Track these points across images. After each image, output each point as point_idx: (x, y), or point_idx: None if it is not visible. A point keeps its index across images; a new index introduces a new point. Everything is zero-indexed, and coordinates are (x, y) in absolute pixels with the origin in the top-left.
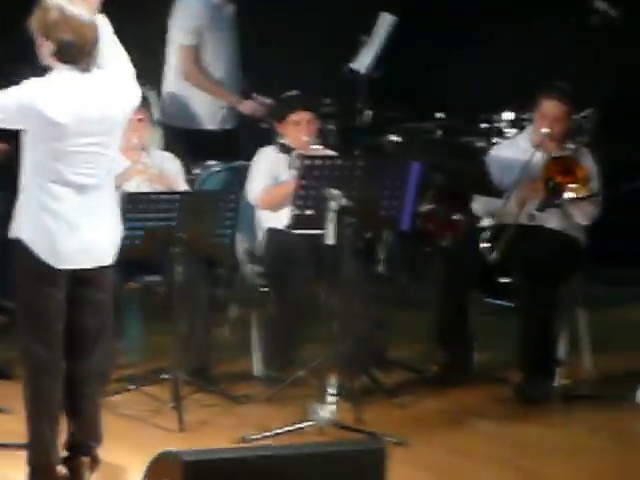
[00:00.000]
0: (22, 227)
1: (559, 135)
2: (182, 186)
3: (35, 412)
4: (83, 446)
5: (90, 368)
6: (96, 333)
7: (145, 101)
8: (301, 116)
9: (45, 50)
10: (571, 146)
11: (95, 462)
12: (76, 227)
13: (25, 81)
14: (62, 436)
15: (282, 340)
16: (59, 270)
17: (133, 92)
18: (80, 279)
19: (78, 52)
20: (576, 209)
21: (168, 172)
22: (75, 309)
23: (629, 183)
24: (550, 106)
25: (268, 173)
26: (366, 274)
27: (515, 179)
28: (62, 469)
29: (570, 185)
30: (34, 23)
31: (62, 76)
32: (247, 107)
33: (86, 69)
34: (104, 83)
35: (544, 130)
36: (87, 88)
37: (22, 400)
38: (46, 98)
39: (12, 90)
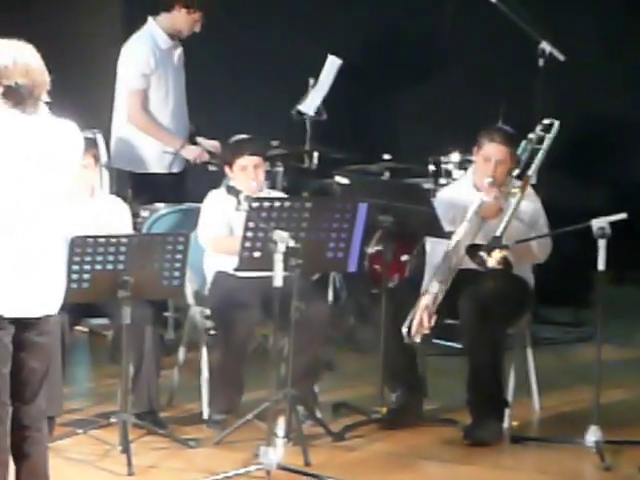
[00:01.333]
0: None
1: (502, 178)
2: (128, 230)
3: None
4: None
5: (36, 412)
6: (41, 376)
7: (93, 144)
8: (248, 160)
9: None
10: (514, 189)
11: None
12: (19, 275)
13: None
14: None
15: (228, 383)
16: (2, 317)
17: (79, 137)
18: (25, 324)
19: (27, 96)
20: (522, 252)
21: (115, 216)
22: (20, 353)
23: (576, 225)
24: (493, 149)
25: (219, 217)
26: (314, 316)
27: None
28: None
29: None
30: None
31: (5, 119)
32: (191, 153)
33: (32, 112)
34: (50, 127)
35: (487, 180)
36: (31, 131)
37: None
38: None
39: None
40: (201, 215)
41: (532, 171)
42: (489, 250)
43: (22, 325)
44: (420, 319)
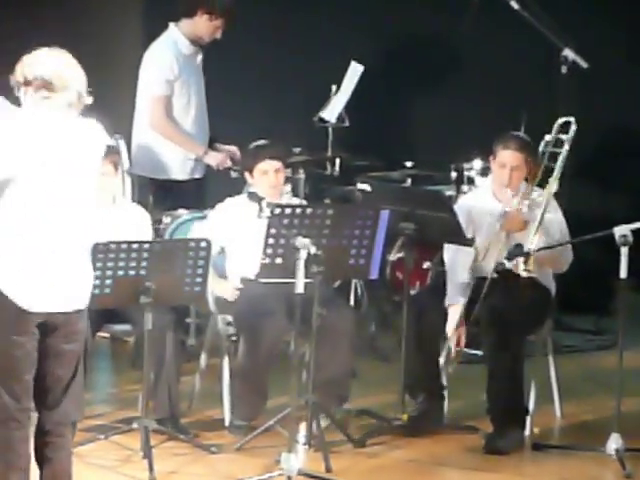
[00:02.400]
0: None
1: (517, 184)
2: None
3: (2, 462)
4: None
5: (59, 417)
6: (66, 383)
7: (113, 151)
8: (269, 165)
9: (20, 94)
10: (534, 196)
11: None
12: (46, 272)
13: None
14: None
15: (252, 390)
16: (30, 314)
17: (103, 136)
18: (51, 328)
19: (47, 96)
20: (545, 258)
21: (135, 225)
22: (45, 359)
23: (598, 232)
24: (508, 156)
25: (221, 223)
26: (341, 318)
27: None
28: None
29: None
30: (17, 74)
31: (30, 117)
32: (213, 159)
33: (57, 111)
34: (75, 126)
35: (507, 193)
36: (57, 130)
37: None
38: (12, 146)
39: None
40: (207, 218)
41: (555, 176)
42: (511, 258)
43: (48, 330)
44: (457, 341)
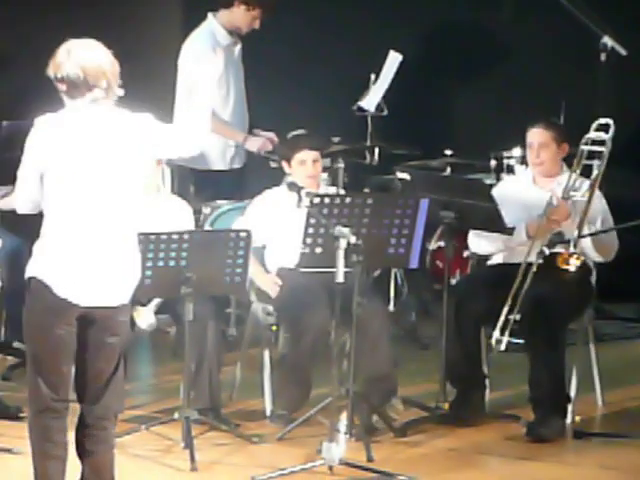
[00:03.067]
0: (39, 265)
1: (549, 164)
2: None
3: (39, 452)
4: None
5: (102, 411)
6: (108, 376)
7: None
8: (307, 155)
9: (59, 91)
10: (577, 184)
11: None
12: (91, 265)
13: (28, 140)
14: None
15: (296, 381)
16: (73, 306)
17: (150, 127)
18: (92, 321)
19: (83, 86)
20: (592, 248)
21: (177, 216)
22: (86, 352)
23: (637, 219)
24: (533, 134)
25: (261, 216)
26: (379, 311)
27: (532, 216)
28: None
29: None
30: (49, 71)
31: (71, 111)
32: (254, 144)
33: (95, 102)
34: (118, 119)
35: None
36: (97, 123)
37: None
38: (51, 143)
39: (24, 160)
40: (246, 212)
41: (599, 174)
42: (551, 245)
43: (89, 323)
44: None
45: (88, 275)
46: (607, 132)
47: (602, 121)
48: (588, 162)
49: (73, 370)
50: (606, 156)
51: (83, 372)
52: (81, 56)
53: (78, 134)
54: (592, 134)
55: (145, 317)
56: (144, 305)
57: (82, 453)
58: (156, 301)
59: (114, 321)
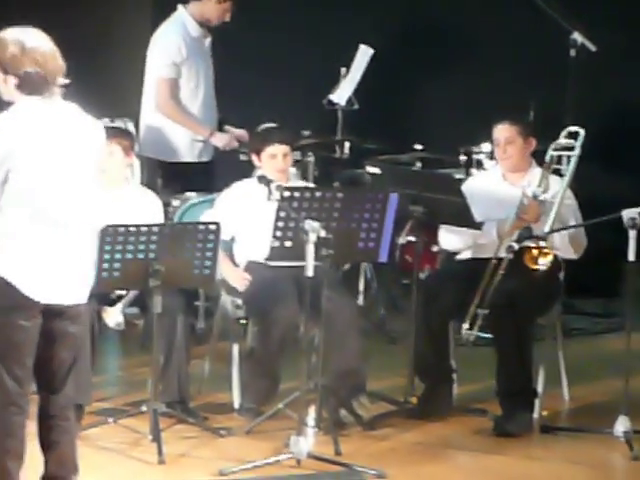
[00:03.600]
0: (1, 263)
1: (517, 159)
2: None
3: (1, 447)
4: (59, 478)
5: (63, 401)
6: (70, 366)
7: (120, 132)
8: (277, 149)
9: (7, 85)
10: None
11: None
12: (53, 262)
13: None
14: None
15: (264, 375)
16: (37, 303)
17: (94, 121)
18: (54, 312)
19: (42, 82)
20: (558, 244)
21: (146, 209)
22: (50, 343)
23: (606, 215)
24: (499, 130)
25: (230, 209)
26: (347, 306)
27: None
28: None
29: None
30: None
31: (27, 107)
32: (219, 140)
33: (49, 98)
34: (71, 113)
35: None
36: (54, 118)
37: None
38: (12, 135)
39: None
40: (215, 204)
41: (567, 180)
42: (520, 241)
43: (53, 314)
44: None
45: (51, 272)
46: (576, 139)
47: (572, 129)
48: (557, 167)
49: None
50: (575, 164)
51: (47, 362)
52: (38, 51)
53: (38, 130)
54: (562, 140)
55: (113, 317)
56: (112, 305)
57: (46, 445)
58: (124, 300)
59: (76, 312)
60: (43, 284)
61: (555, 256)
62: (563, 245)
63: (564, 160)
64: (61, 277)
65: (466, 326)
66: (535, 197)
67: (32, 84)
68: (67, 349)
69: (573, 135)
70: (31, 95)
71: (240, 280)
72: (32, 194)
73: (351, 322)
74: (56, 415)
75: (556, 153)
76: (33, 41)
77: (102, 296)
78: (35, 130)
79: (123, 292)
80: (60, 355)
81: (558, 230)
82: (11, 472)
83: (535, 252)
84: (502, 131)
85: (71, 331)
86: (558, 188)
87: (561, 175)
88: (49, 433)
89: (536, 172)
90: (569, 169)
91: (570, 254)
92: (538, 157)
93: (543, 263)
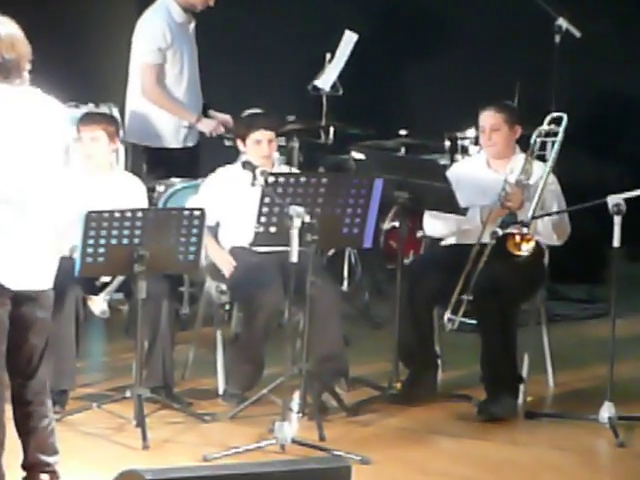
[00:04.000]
0: None
1: (502, 147)
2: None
3: None
4: (39, 463)
5: (38, 386)
6: (42, 351)
7: (105, 118)
8: (262, 135)
9: None
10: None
11: (55, 478)
12: (19, 248)
13: None
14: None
15: (248, 360)
16: (5, 290)
17: (61, 108)
18: (23, 299)
19: (14, 68)
20: (541, 230)
21: (131, 195)
22: (20, 329)
23: (591, 201)
24: (485, 117)
25: (212, 203)
26: (330, 291)
27: (486, 199)
28: None
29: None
30: None
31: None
32: (205, 126)
33: (19, 84)
34: (33, 97)
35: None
36: (15, 102)
37: None
38: None
39: None
40: (200, 190)
41: (550, 166)
42: (504, 227)
43: (21, 300)
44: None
45: (16, 258)
46: (559, 125)
47: (555, 115)
48: (541, 153)
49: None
50: (558, 149)
51: (18, 349)
52: (13, 37)
53: (6, 118)
54: (545, 127)
55: (98, 305)
56: (97, 293)
57: (24, 432)
58: (109, 289)
59: (44, 296)
60: (11, 270)
61: (538, 242)
62: (546, 231)
63: (548, 146)
64: (27, 263)
65: (449, 314)
66: (518, 184)
67: (5, 71)
68: (37, 335)
69: (556, 121)
70: (2, 82)
71: (227, 263)
72: None
73: (333, 307)
74: (32, 401)
75: (540, 139)
76: (8, 28)
77: (87, 283)
78: (4, 118)
79: (108, 280)
80: (31, 341)
81: (541, 216)
82: None
83: (518, 238)
84: (488, 118)
85: (40, 316)
86: (541, 174)
87: (545, 161)
88: (26, 420)
89: (520, 158)
90: (552, 154)
91: (553, 240)
92: (522, 143)
93: (526, 249)
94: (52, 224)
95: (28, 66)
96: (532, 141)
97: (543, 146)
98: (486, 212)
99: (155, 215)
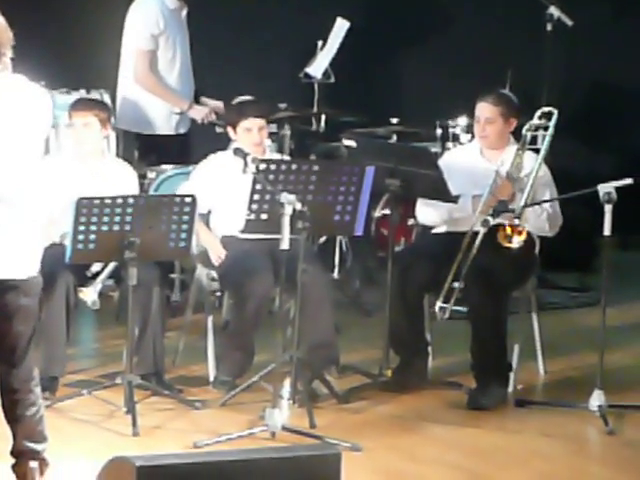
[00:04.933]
0: None
1: (494, 139)
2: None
3: None
4: (27, 451)
5: (25, 374)
6: (28, 338)
7: (96, 104)
8: (253, 123)
9: None
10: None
11: (44, 465)
12: None
13: None
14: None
15: (239, 347)
16: None
17: (44, 94)
18: (7, 287)
19: None
20: (534, 223)
21: (122, 181)
22: (3, 318)
23: (583, 190)
24: (481, 108)
25: (204, 190)
26: (320, 279)
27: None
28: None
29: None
30: None
31: None
32: (197, 113)
33: (1, 70)
34: (18, 84)
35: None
36: (2, 88)
37: None
38: None
39: None
40: (191, 177)
41: (540, 160)
42: (496, 215)
43: (5, 289)
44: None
45: None
46: (550, 119)
47: (546, 109)
48: (533, 147)
49: None
50: (548, 143)
51: (3, 337)
52: None
53: None
54: (535, 121)
55: (89, 296)
56: (88, 283)
57: (12, 419)
58: (101, 278)
59: (28, 284)
60: None
61: (529, 233)
62: (538, 223)
63: (539, 139)
64: (6, 252)
65: (440, 302)
66: (508, 177)
67: None
68: (23, 322)
69: (547, 115)
70: None
71: (217, 250)
72: None
73: (324, 294)
74: (19, 389)
75: (530, 134)
76: None
77: (77, 272)
78: None
79: (99, 269)
80: (17, 329)
81: (533, 205)
82: None
83: (509, 230)
84: (484, 110)
85: (24, 304)
86: (533, 164)
87: (537, 151)
88: (13, 407)
89: (513, 149)
90: (542, 149)
91: (545, 232)
92: (516, 133)
93: (517, 242)
94: (33, 213)
95: (9, 53)
96: (523, 135)
97: (534, 140)
98: (476, 203)
99: (146, 202)
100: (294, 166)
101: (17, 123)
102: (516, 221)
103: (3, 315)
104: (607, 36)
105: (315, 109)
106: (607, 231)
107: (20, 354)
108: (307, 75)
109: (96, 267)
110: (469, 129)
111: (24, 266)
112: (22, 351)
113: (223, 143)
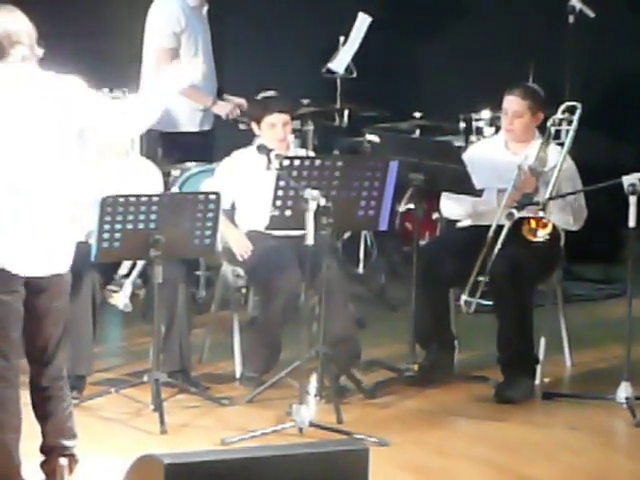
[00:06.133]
0: None
1: (520, 132)
2: None
3: None
4: (58, 447)
5: (56, 372)
6: (58, 339)
7: None
8: (277, 118)
9: None
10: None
11: (73, 462)
12: (28, 234)
13: None
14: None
15: (266, 344)
16: (14, 276)
17: (80, 90)
18: (37, 287)
19: (6, 46)
20: (559, 217)
21: (146, 181)
22: (35, 319)
23: (606, 182)
24: (509, 101)
25: (227, 187)
26: (345, 274)
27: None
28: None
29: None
30: None
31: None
32: (221, 109)
33: (21, 62)
34: (46, 80)
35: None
36: (25, 85)
37: None
38: None
39: None
40: (215, 174)
41: (564, 154)
42: (520, 207)
43: (33, 290)
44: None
45: (25, 245)
46: (573, 113)
47: (569, 104)
48: (557, 140)
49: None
50: (572, 137)
51: (35, 338)
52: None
53: (8, 100)
54: (559, 115)
55: (120, 300)
56: (117, 285)
57: (42, 416)
58: (130, 280)
59: (58, 286)
60: (20, 256)
61: (554, 226)
62: (563, 217)
63: (563, 133)
64: (38, 249)
65: (466, 296)
66: (532, 171)
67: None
68: (53, 324)
69: (570, 109)
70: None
71: (242, 246)
72: (3, 169)
73: (343, 288)
74: (49, 386)
75: (554, 128)
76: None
77: (103, 270)
78: (4, 100)
79: (126, 272)
80: (47, 330)
81: (558, 197)
82: (9, 445)
83: (533, 224)
84: (512, 103)
85: (55, 305)
86: (557, 158)
87: (561, 145)
88: (44, 404)
89: (538, 144)
90: (566, 143)
91: (570, 226)
92: (539, 126)
93: (542, 235)
94: (64, 210)
95: (28, 44)
96: (547, 129)
97: (557, 134)
98: (502, 196)
99: (170, 199)
100: (318, 162)
101: (40, 120)
102: (540, 214)
103: (34, 317)
104: (629, 27)
105: (338, 104)
106: (632, 222)
107: (50, 354)
108: (329, 70)
109: (123, 270)
110: (492, 122)
111: (54, 263)
112: (52, 351)
113: (246, 140)
